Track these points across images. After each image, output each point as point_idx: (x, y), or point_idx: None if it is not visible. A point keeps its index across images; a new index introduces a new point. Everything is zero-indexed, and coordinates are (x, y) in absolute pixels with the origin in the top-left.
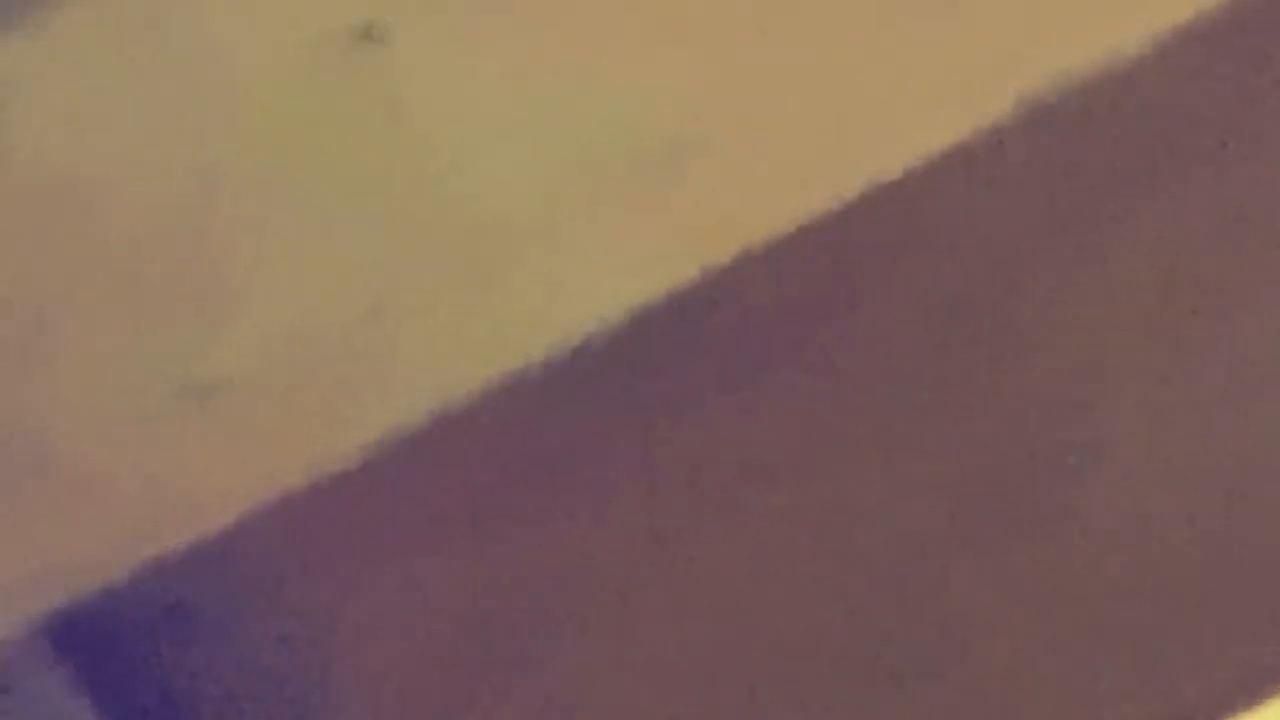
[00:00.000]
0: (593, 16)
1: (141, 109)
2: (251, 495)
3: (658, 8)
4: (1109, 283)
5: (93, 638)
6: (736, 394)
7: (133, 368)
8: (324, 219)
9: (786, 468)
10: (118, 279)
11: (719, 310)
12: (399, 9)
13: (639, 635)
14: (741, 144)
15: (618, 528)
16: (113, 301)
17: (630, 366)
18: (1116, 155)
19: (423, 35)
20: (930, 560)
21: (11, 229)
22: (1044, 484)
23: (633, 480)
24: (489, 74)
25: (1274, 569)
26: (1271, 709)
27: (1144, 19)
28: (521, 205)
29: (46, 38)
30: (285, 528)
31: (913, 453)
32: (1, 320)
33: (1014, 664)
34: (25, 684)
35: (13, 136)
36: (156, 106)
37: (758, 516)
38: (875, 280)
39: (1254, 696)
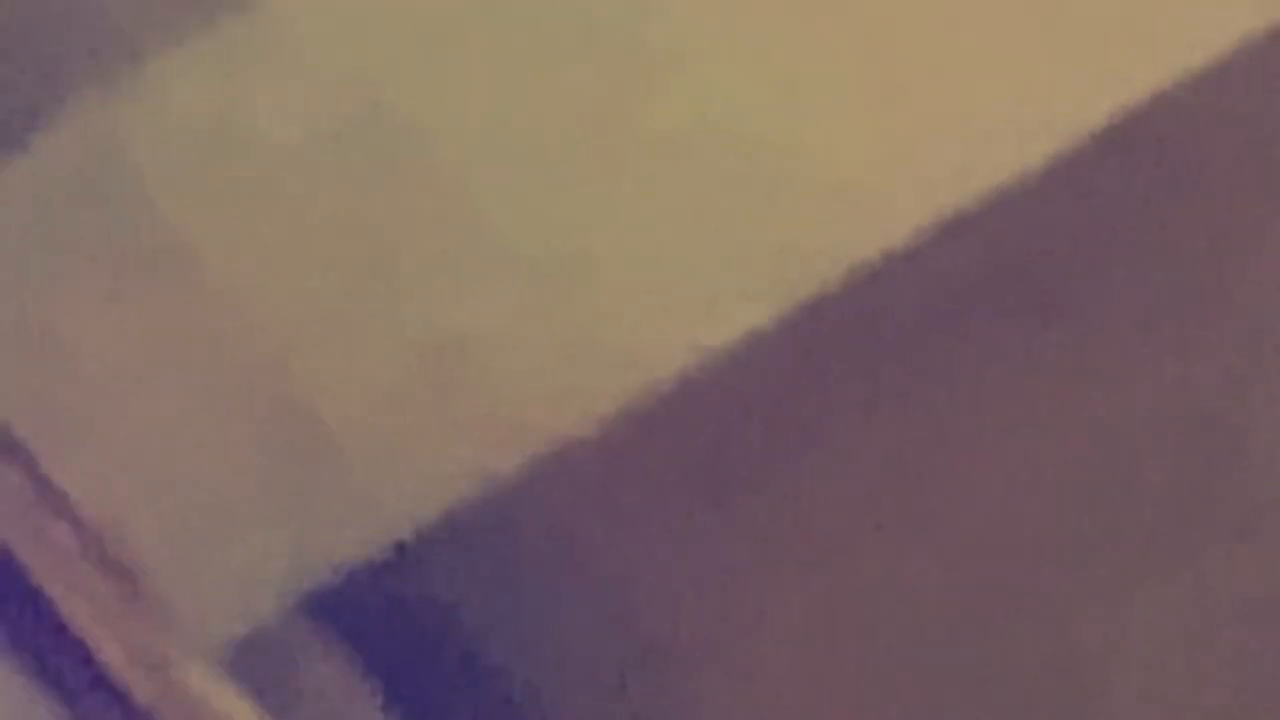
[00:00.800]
0: None
1: (355, 68)
2: (510, 452)
3: None
4: None
5: (358, 609)
6: (977, 337)
7: (380, 331)
8: (580, 174)
9: (1029, 415)
10: (361, 246)
11: (961, 252)
12: None
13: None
14: (985, 74)
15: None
16: (358, 268)
17: (877, 309)
18: None
19: None
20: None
21: (260, 211)
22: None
23: (876, 425)
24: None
25: None
26: None
27: None
28: (767, 147)
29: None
30: (550, 486)
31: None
32: (255, 293)
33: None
34: (294, 658)
35: (252, 121)
36: (370, 66)
37: (999, 464)
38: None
39: None
